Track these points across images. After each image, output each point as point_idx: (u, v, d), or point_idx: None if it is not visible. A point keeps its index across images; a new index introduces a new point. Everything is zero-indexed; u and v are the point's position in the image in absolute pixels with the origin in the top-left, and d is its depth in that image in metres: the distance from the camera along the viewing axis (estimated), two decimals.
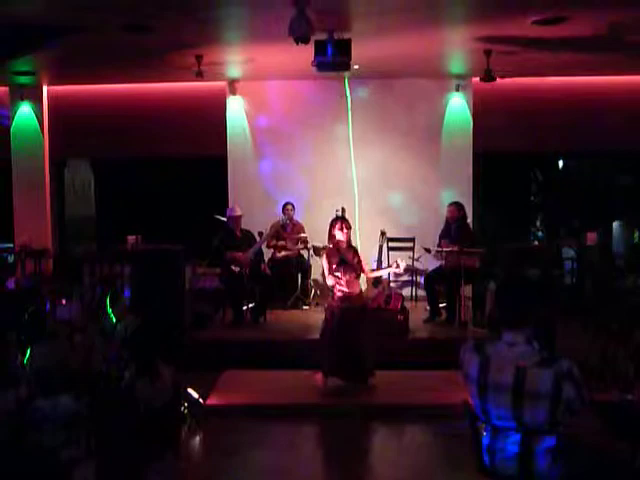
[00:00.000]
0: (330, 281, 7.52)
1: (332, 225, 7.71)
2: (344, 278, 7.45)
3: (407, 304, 9.33)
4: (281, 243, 10.71)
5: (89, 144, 11.95)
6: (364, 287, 7.79)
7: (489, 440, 3.71)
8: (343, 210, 10.23)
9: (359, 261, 7.54)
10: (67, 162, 12.72)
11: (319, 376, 7.49)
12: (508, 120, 11.36)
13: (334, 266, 7.47)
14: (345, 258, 7.47)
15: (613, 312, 8.49)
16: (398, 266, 7.63)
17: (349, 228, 7.56)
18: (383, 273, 8.52)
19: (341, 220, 7.75)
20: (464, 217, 9.78)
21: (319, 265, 10.56)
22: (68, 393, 4.23)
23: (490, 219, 13.41)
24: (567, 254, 11.55)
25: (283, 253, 10.71)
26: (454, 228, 9.67)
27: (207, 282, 10.48)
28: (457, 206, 9.75)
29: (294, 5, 7.04)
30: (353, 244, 7.79)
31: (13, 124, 11.67)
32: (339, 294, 7.49)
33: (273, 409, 7.02)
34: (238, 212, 9.89)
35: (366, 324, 7.50)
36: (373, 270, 8.06)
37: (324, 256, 7.65)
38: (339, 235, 7.53)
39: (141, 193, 13.08)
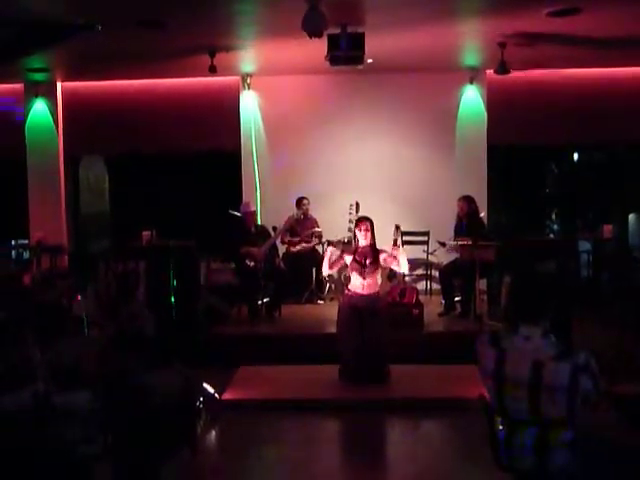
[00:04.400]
0: (325, 271, 7.89)
1: (355, 225, 7.82)
2: (354, 280, 7.54)
3: (422, 298, 9.31)
4: (295, 239, 10.69)
5: (103, 140, 11.97)
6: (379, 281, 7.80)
7: (505, 434, 3.70)
8: (357, 205, 10.22)
9: (376, 267, 7.56)
10: (82, 158, 12.75)
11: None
12: (523, 112, 11.31)
13: (347, 263, 7.60)
14: (358, 259, 7.51)
15: (629, 305, 8.46)
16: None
17: (367, 230, 7.55)
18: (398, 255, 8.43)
19: (362, 221, 7.75)
20: (475, 211, 9.73)
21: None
22: (85, 389, 4.24)
23: (505, 212, 13.36)
24: (583, 247, 11.50)
25: (297, 247, 10.71)
26: (465, 222, 9.64)
27: (222, 277, 10.49)
28: (466, 200, 9.72)
29: None
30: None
31: (28, 121, 11.70)
32: (349, 293, 7.63)
33: (289, 404, 7.03)
34: (252, 208, 9.90)
35: (378, 324, 7.51)
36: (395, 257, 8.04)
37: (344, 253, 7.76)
38: (360, 237, 7.57)
39: (155, 188, 13.09)
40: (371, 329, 7.40)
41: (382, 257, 7.57)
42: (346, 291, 7.74)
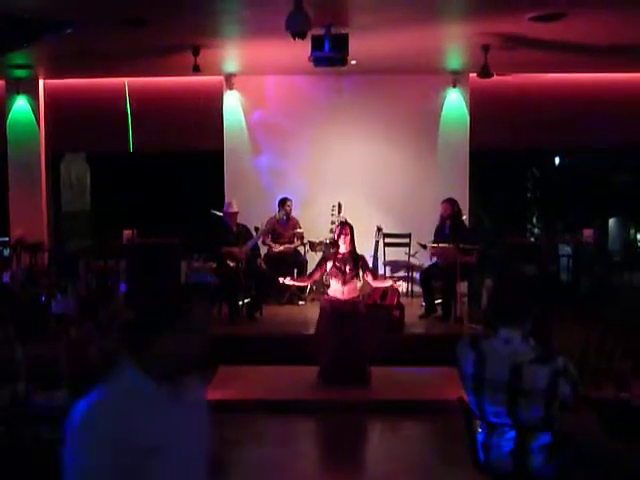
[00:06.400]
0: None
1: (335, 230, 7.85)
2: (334, 285, 7.56)
3: (403, 300, 9.32)
4: (277, 246, 10.64)
5: (85, 138, 11.91)
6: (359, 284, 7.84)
7: (484, 436, 3.71)
8: (339, 206, 10.24)
9: (356, 273, 7.60)
10: (63, 156, 12.69)
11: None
12: (505, 116, 11.35)
13: (327, 270, 7.63)
14: (338, 266, 7.54)
15: (609, 309, 8.51)
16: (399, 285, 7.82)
17: (347, 234, 7.57)
18: (385, 285, 8.56)
19: (341, 226, 7.79)
20: (458, 213, 9.76)
21: (315, 260, 10.60)
22: (64, 388, 4.22)
23: (486, 215, 13.42)
24: (563, 251, 11.56)
25: (279, 248, 10.68)
26: (448, 225, 9.67)
27: (203, 277, 10.46)
28: (450, 203, 9.74)
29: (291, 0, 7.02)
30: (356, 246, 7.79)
31: (9, 118, 11.62)
32: (328, 297, 7.66)
33: (268, 404, 7.02)
34: (234, 209, 9.84)
35: (358, 329, 7.51)
36: (376, 278, 8.17)
37: (325, 262, 7.77)
38: (340, 242, 7.59)
39: (137, 187, 13.06)
40: (351, 334, 7.40)
41: (363, 262, 7.63)
42: (325, 296, 7.76)
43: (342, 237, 7.56)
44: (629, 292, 9.75)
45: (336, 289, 7.57)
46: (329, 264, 7.62)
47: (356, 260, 7.58)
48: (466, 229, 9.87)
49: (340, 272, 7.51)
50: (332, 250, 7.87)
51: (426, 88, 11.39)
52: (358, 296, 7.72)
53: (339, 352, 7.38)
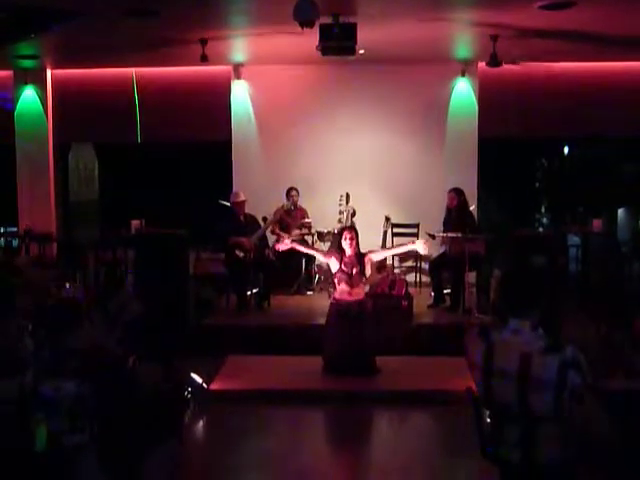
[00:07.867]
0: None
1: (340, 235, 7.94)
2: (341, 288, 7.57)
3: (411, 290, 9.33)
4: (285, 236, 10.64)
5: (93, 128, 11.91)
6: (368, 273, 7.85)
7: (492, 427, 3.70)
8: (347, 196, 10.21)
9: (362, 274, 7.67)
10: (71, 146, 12.68)
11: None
12: (514, 106, 11.30)
13: (333, 271, 7.75)
14: (345, 270, 7.59)
15: (618, 299, 8.48)
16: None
17: (352, 239, 7.65)
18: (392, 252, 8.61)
19: (347, 230, 7.88)
20: (464, 203, 9.71)
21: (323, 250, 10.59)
22: (72, 379, 4.22)
23: (495, 205, 13.37)
24: (572, 241, 11.52)
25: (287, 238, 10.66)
26: (455, 215, 9.63)
27: (211, 267, 10.47)
28: (456, 192, 9.70)
29: None
30: (360, 242, 7.82)
31: (17, 108, 11.61)
32: (336, 300, 7.73)
33: (276, 394, 7.04)
34: (241, 198, 9.85)
35: (365, 327, 7.55)
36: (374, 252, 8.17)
37: (331, 256, 7.85)
38: (345, 246, 7.61)
39: (145, 177, 13.05)
40: (358, 332, 7.44)
41: (367, 258, 7.68)
42: (333, 300, 7.77)
43: (348, 241, 7.60)
44: (638, 282, 9.72)
45: (343, 291, 7.63)
46: (334, 264, 7.65)
47: (362, 261, 7.64)
48: (472, 219, 9.82)
49: (347, 275, 7.58)
50: (338, 242, 7.93)
51: (434, 77, 11.34)
52: (364, 297, 7.76)
53: (344, 348, 7.40)
